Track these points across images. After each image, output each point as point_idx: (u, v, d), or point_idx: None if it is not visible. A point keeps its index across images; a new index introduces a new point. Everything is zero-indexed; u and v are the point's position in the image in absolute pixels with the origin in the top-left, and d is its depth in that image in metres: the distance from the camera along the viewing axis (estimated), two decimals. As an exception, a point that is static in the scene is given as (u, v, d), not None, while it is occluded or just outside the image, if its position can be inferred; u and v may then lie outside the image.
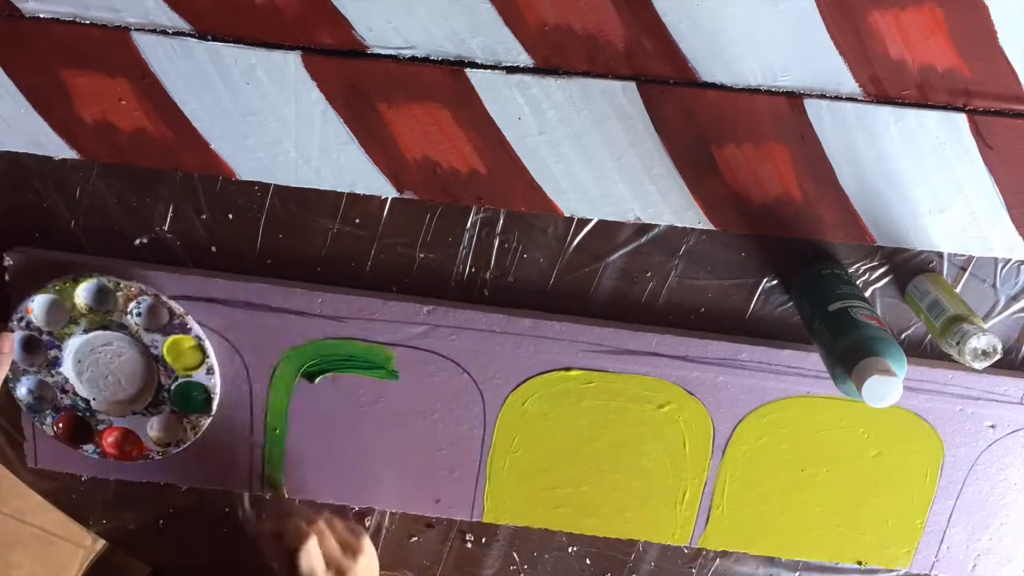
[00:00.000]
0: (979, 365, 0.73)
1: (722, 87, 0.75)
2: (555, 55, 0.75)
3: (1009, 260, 0.81)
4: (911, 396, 0.83)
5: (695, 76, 0.75)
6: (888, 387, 0.65)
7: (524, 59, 0.75)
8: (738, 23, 0.73)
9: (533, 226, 0.81)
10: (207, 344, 0.81)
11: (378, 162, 0.79)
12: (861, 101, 0.75)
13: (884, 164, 0.77)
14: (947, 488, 0.87)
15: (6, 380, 0.81)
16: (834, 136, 0.76)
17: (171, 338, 0.80)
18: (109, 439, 0.84)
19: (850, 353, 0.69)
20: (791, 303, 0.83)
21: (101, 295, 0.80)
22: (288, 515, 0.79)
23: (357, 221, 0.82)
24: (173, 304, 0.79)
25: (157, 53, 0.75)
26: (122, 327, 0.80)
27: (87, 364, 0.82)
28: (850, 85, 0.75)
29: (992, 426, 0.85)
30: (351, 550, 0.79)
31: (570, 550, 0.93)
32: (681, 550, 0.92)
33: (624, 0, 0.72)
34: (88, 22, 0.74)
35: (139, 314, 0.80)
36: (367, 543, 0.82)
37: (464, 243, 0.82)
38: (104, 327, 0.80)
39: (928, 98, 0.75)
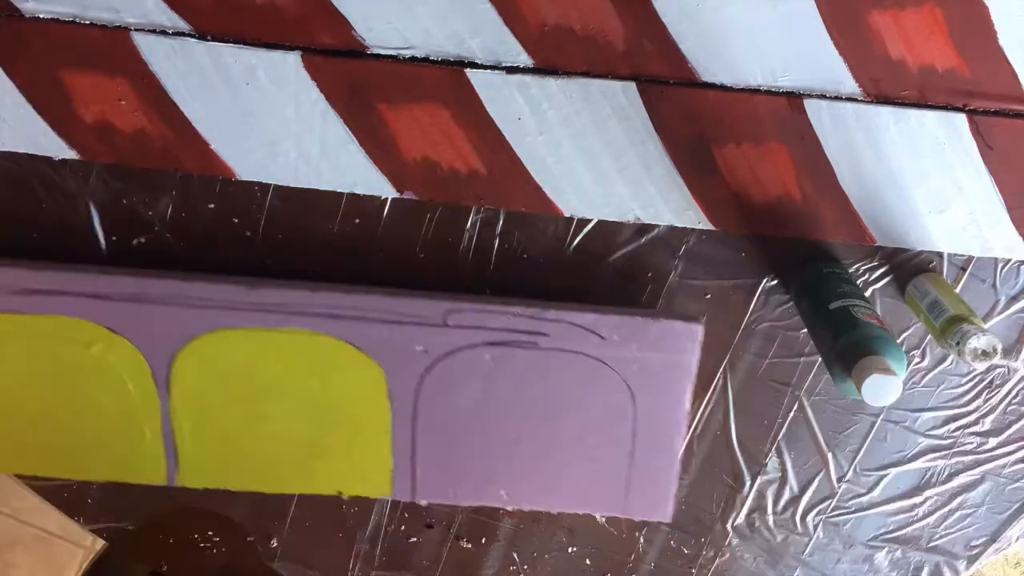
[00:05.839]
0: (980, 365, 0.73)
1: (722, 87, 0.75)
2: (555, 55, 0.75)
3: (1009, 260, 0.81)
4: (336, 324, 0.81)
5: (695, 76, 0.75)
6: (888, 386, 0.65)
7: (524, 59, 0.75)
8: (738, 23, 0.73)
9: (533, 226, 0.81)
10: None
11: (378, 162, 0.79)
12: (861, 101, 0.75)
13: (884, 164, 0.77)
14: (402, 415, 0.84)
15: None
16: (834, 136, 0.76)
17: None
18: None
19: (850, 352, 0.69)
20: (791, 303, 0.83)
21: None
22: None
23: (357, 221, 0.82)
24: None
25: (157, 53, 0.75)
26: None
27: None
28: (850, 85, 0.75)
29: (424, 351, 0.82)
30: None
31: (570, 550, 0.93)
32: (681, 550, 0.92)
33: (624, 0, 0.72)
34: (88, 22, 0.74)
35: None
36: None
37: (464, 243, 0.82)
38: None
39: (928, 98, 0.75)
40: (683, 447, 0.84)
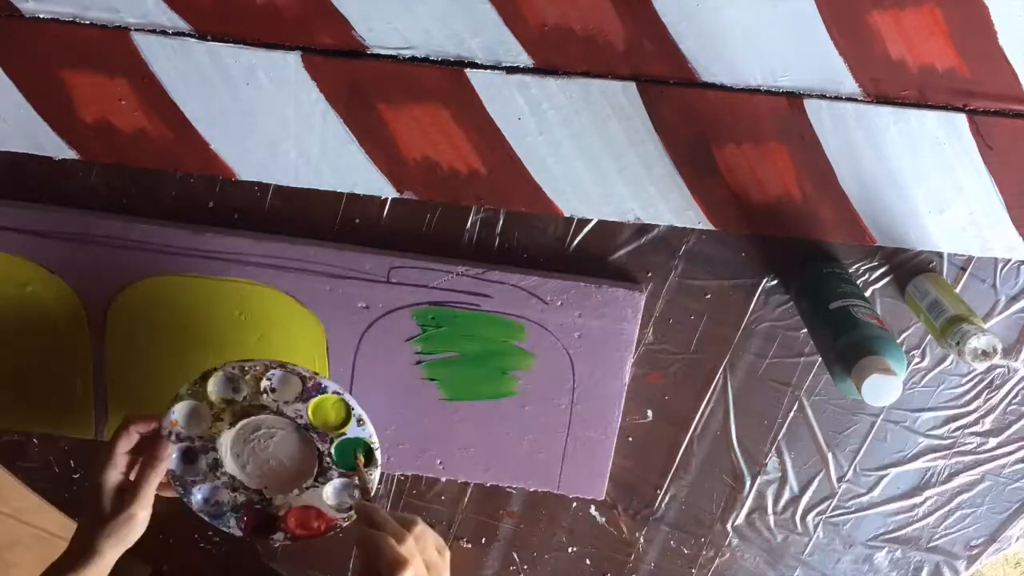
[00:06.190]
0: (980, 365, 0.73)
1: (722, 87, 0.75)
2: (555, 55, 0.75)
3: (1009, 260, 0.81)
4: (279, 275, 0.80)
5: (695, 76, 0.75)
6: (888, 386, 0.65)
7: (524, 59, 0.75)
8: (738, 23, 0.73)
9: (533, 226, 0.81)
10: (347, 396, 0.77)
11: (378, 162, 0.78)
12: (861, 101, 0.75)
13: (884, 164, 0.77)
14: (340, 375, 0.84)
15: (179, 496, 0.80)
16: (834, 136, 0.76)
17: (312, 402, 0.77)
18: (292, 521, 0.81)
19: (850, 352, 0.69)
20: (791, 303, 0.83)
21: (231, 383, 0.78)
22: (378, 527, 0.71)
23: (357, 221, 0.81)
24: (301, 369, 0.76)
25: (157, 53, 0.75)
26: (263, 408, 0.77)
27: (246, 455, 0.80)
28: (850, 85, 0.75)
29: (365, 307, 0.81)
30: (440, 553, 0.73)
31: (570, 550, 0.93)
32: (681, 550, 0.92)
33: (624, 0, 0.72)
34: (88, 22, 0.74)
35: (274, 389, 0.77)
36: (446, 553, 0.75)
37: (464, 243, 0.82)
38: (247, 414, 0.78)
39: (928, 98, 0.75)
40: (619, 420, 0.85)
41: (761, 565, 0.93)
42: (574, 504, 0.91)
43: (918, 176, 0.77)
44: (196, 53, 0.75)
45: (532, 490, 0.89)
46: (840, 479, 0.89)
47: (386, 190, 0.80)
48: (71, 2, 0.73)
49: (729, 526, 0.92)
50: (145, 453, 0.76)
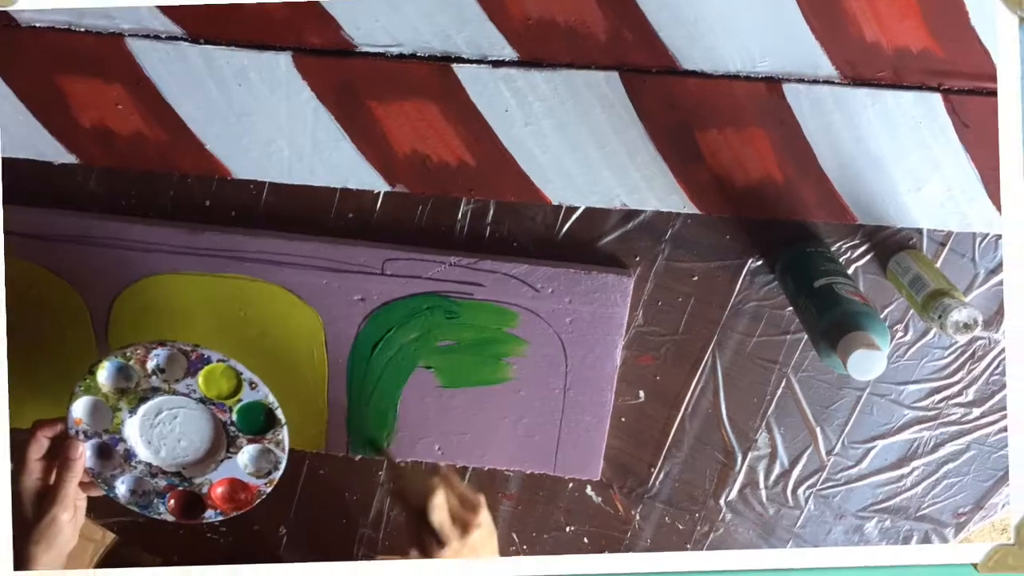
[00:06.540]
0: (962, 338, 0.74)
1: (702, 74, 0.77)
2: (539, 48, 0.76)
3: (987, 234, 0.82)
4: (277, 271, 0.82)
5: (675, 64, 0.76)
6: (873, 360, 0.67)
7: (509, 53, 0.76)
8: (716, 11, 0.74)
9: (522, 215, 0.83)
10: (233, 362, 0.77)
11: (370, 158, 0.80)
12: (838, 84, 0.77)
13: (862, 145, 0.78)
14: (337, 365, 0.86)
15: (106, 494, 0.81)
16: (813, 119, 0.78)
17: (200, 375, 0.78)
18: (218, 496, 0.82)
19: (835, 328, 0.70)
20: (776, 282, 0.84)
21: (121, 372, 0.78)
22: (404, 475, 0.79)
23: (351, 216, 0.83)
24: (181, 343, 0.77)
25: (151, 58, 0.76)
26: (157, 390, 0.78)
27: (156, 440, 0.81)
28: (827, 69, 0.76)
29: (362, 299, 0.83)
30: (470, 505, 0.78)
31: (568, 530, 0.94)
32: (676, 527, 0.94)
33: (604, -8, 0.74)
34: (83, 30, 0.76)
35: (162, 369, 0.78)
36: (482, 499, 0.80)
37: (456, 234, 0.84)
38: (143, 399, 0.79)
39: (903, 79, 0.77)
40: (612, 402, 0.87)
41: (755, 539, 0.94)
42: (570, 485, 0.92)
43: (896, 155, 0.79)
44: (189, 56, 0.76)
45: (529, 472, 0.91)
46: (829, 453, 0.91)
47: (378, 184, 0.81)
48: (67, 11, 0.75)
49: (722, 502, 0.93)
50: (59, 456, 0.78)
